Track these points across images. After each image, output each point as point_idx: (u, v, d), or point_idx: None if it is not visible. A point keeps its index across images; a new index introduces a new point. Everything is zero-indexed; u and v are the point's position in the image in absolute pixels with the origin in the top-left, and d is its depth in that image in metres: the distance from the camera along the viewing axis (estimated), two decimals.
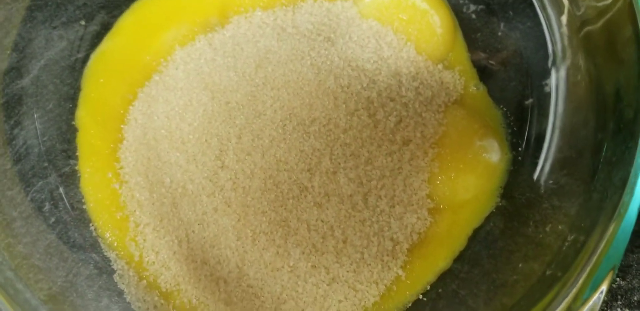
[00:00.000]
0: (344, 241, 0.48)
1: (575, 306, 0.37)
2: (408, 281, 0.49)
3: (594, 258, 0.38)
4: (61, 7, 0.55)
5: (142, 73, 0.54)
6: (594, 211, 0.41)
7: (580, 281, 0.38)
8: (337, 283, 0.48)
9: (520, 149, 0.51)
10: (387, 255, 0.48)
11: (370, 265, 0.48)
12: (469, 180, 0.50)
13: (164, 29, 0.55)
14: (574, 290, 0.38)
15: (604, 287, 0.38)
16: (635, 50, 0.40)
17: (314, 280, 0.48)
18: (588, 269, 0.38)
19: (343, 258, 0.48)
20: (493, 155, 0.50)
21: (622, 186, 0.38)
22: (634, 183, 0.37)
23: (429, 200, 0.49)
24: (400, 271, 0.49)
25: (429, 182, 0.50)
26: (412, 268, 0.49)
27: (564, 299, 0.38)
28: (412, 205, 0.49)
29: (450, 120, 0.50)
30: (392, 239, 0.49)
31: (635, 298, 0.49)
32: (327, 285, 0.48)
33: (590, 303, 0.37)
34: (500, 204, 0.51)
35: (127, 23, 0.55)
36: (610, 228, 0.38)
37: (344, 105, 0.49)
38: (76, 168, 0.53)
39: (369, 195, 0.49)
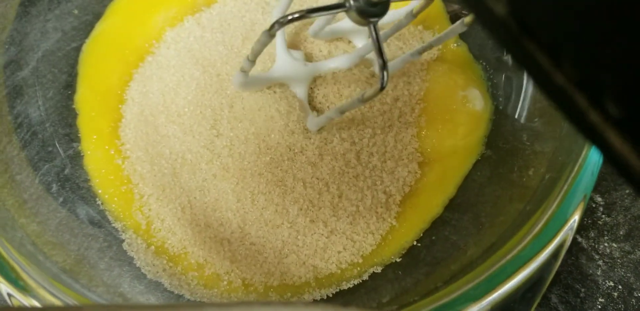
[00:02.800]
0: (340, 196, 0.50)
1: (548, 234, 0.39)
2: (402, 230, 0.51)
3: (565, 187, 0.40)
4: (53, 0, 0.57)
5: (136, 55, 0.56)
6: (568, 147, 0.44)
7: (551, 210, 0.40)
8: (335, 235, 0.50)
9: (500, 99, 0.54)
10: (381, 207, 0.51)
11: (365, 216, 0.50)
12: (455, 129, 0.52)
13: (153, 13, 0.57)
14: (547, 217, 0.39)
15: (576, 216, 0.39)
16: None
17: (313, 233, 0.50)
18: (559, 198, 0.40)
19: (339, 212, 0.50)
20: (476, 103, 0.52)
21: None
22: None
23: (418, 154, 0.52)
24: (394, 222, 0.51)
25: (418, 136, 0.52)
26: (405, 218, 0.51)
27: (536, 227, 0.39)
28: (403, 159, 0.51)
29: (433, 76, 0.53)
30: (385, 192, 0.51)
31: (621, 233, 0.51)
32: (326, 237, 0.50)
33: (562, 232, 0.39)
34: (485, 153, 0.53)
35: (117, 9, 0.58)
36: (581, 158, 0.40)
37: None
38: (79, 149, 0.55)
39: (361, 152, 0.51)
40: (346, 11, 0.36)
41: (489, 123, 0.53)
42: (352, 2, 0.35)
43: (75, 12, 0.57)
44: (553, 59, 0.16)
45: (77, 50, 0.57)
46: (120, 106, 0.55)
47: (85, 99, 0.56)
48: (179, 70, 0.54)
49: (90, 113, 0.55)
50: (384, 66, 0.38)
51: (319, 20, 0.52)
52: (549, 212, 0.39)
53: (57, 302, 0.41)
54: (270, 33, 0.39)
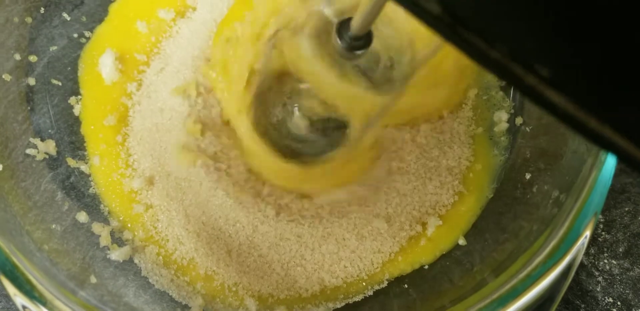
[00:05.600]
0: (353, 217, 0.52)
1: (561, 250, 0.40)
2: (413, 253, 0.52)
3: (577, 205, 0.40)
4: (60, 6, 0.57)
5: (134, 62, 0.56)
6: (576, 165, 0.44)
7: (565, 227, 0.40)
8: (344, 251, 0.51)
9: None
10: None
11: (376, 238, 0.51)
12: None
13: (148, 16, 0.57)
14: (560, 235, 0.40)
15: (587, 233, 0.40)
16: None
17: (321, 247, 0.51)
18: (572, 215, 0.40)
19: (350, 229, 0.51)
20: None
21: None
22: None
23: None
24: (405, 243, 0.52)
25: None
26: (418, 243, 0.53)
27: (549, 244, 0.40)
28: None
29: None
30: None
31: (621, 250, 0.52)
32: (335, 253, 0.51)
33: (575, 248, 0.40)
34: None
35: (113, 11, 0.58)
36: (592, 176, 0.41)
37: None
38: (85, 157, 0.55)
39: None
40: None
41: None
42: (338, 41, 0.37)
43: (84, 19, 0.57)
44: (486, 41, 0.19)
45: None
46: (123, 113, 0.55)
47: (87, 107, 0.56)
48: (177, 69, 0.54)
49: (94, 122, 0.55)
50: None
51: None
52: (562, 230, 0.40)
53: None
54: None
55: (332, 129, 0.52)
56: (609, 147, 0.20)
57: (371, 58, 0.46)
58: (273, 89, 0.51)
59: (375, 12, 0.33)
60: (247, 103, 0.49)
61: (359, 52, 0.38)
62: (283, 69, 0.49)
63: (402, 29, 0.46)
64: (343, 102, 0.46)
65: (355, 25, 0.36)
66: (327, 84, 0.44)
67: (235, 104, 0.50)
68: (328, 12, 0.42)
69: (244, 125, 0.49)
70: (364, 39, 0.38)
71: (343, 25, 0.38)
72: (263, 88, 0.50)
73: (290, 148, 0.51)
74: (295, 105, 0.51)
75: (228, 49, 0.50)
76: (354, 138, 0.47)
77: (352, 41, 0.37)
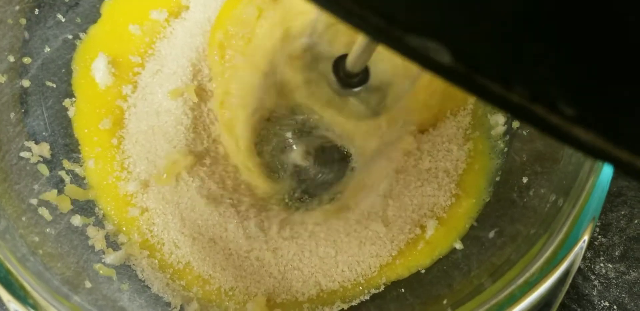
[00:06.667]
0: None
1: (559, 255, 0.40)
2: (410, 256, 0.52)
3: (575, 210, 0.40)
4: (54, 7, 0.57)
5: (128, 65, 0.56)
6: (573, 169, 0.44)
7: (563, 232, 0.40)
8: (342, 255, 0.51)
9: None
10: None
11: (375, 243, 0.51)
12: None
13: (140, 18, 0.57)
14: (558, 240, 0.40)
15: (585, 237, 0.40)
16: None
17: (319, 251, 0.51)
18: (570, 220, 0.40)
19: (351, 234, 0.51)
20: None
21: None
22: None
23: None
24: (403, 247, 0.52)
25: None
26: (416, 248, 0.53)
27: (547, 250, 0.40)
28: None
29: None
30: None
31: (617, 254, 0.52)
32: (333, 256, 0.51)
33: (573, 253, 0.39)
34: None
35: (105, 12, 0.57)
36: (590, 181, 0.41)
37: None
38: (80, 160, 0.55)
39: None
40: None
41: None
42: (333, 78, 0.37)
43: (78, 20, 0.57)
44: (505, 85, 0.18)
45: None
46: (118, 115, 0.55)
47: (82, 110, 0.55)
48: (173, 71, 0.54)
49: (88, 125, 0.55)
50: None
51: None
52: (560, 236, 0.40)
53: None
54: None
55: (336, 161, 0.52)
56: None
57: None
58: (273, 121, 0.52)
59: (368, 51, 0.32)
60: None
61: (356, 89, 0.38)
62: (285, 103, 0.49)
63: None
64: (346, 131, 0.47)
65: (351, 63, 0.35)
66: (329, 117, 0.45)
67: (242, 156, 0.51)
68: (323, 48, 0.41)
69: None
70: (361, 76, 0.37)
71: (339, 62, 0.37)
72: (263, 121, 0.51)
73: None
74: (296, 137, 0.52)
75: (225, 71, 0.50)
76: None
77: (348, 78, 0.37)
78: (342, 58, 0.37)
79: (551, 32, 0.18)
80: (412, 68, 0.43)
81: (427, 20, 0.18)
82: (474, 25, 0.18)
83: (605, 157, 0.19)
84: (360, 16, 0.18)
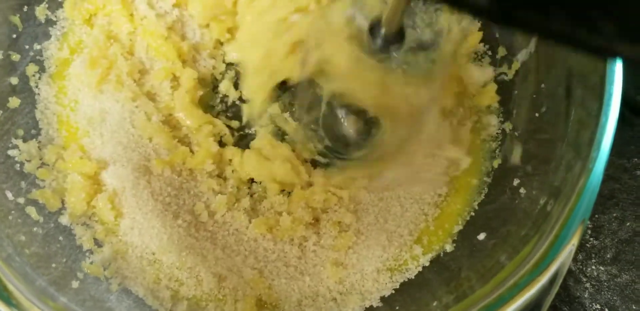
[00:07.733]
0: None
1: (549, 257, 0.39)
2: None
3: (565, 212, 0.40)
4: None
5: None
6: (563, 172, 0.44)
7: (553, 234, 0.40)
8: (338, 266, 0.51)
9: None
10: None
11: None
12: None
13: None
14: (547, 243, 0.40)
15: (574, 241, 0.39)
16: None
17: (316, 258, 0.51)
18: (560, 222, 0.40)
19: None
20: None
21: (589, 143, 0.40)
22: (600, 140, 0.40)
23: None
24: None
25: None
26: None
27: (537, 252, 0.40)
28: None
29: None
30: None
31: (608, 256, 0.52)
32: (331, 264, 0.51)
33: (562, 255, 0.39)
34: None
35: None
36: (580, 183, 0.40)
37: None
38: (67, 161, 0.54)
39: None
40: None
41: None
42: (372, 41, 0.40)
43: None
44: (543, 14, 0.20)
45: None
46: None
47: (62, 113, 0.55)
48: None
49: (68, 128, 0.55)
50: None
51: None
52: (550, 238, 0.40)
53: None
54: None
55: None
56: None
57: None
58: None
59: (401, 8, 0.35)
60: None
61: (394, 51, 0.41)
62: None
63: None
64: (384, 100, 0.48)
65: (387, 23, 0.38)
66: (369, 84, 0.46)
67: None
68: (358, 16, 0.43)
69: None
70: (397, 35, 0.40)
71: (375, 26, 0.40)
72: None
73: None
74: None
75: None
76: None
77: (386, 39, 0.40)
78: (377, 23, 0.40)
79: None
80: None
81: None
82: None
83: None
84: None
